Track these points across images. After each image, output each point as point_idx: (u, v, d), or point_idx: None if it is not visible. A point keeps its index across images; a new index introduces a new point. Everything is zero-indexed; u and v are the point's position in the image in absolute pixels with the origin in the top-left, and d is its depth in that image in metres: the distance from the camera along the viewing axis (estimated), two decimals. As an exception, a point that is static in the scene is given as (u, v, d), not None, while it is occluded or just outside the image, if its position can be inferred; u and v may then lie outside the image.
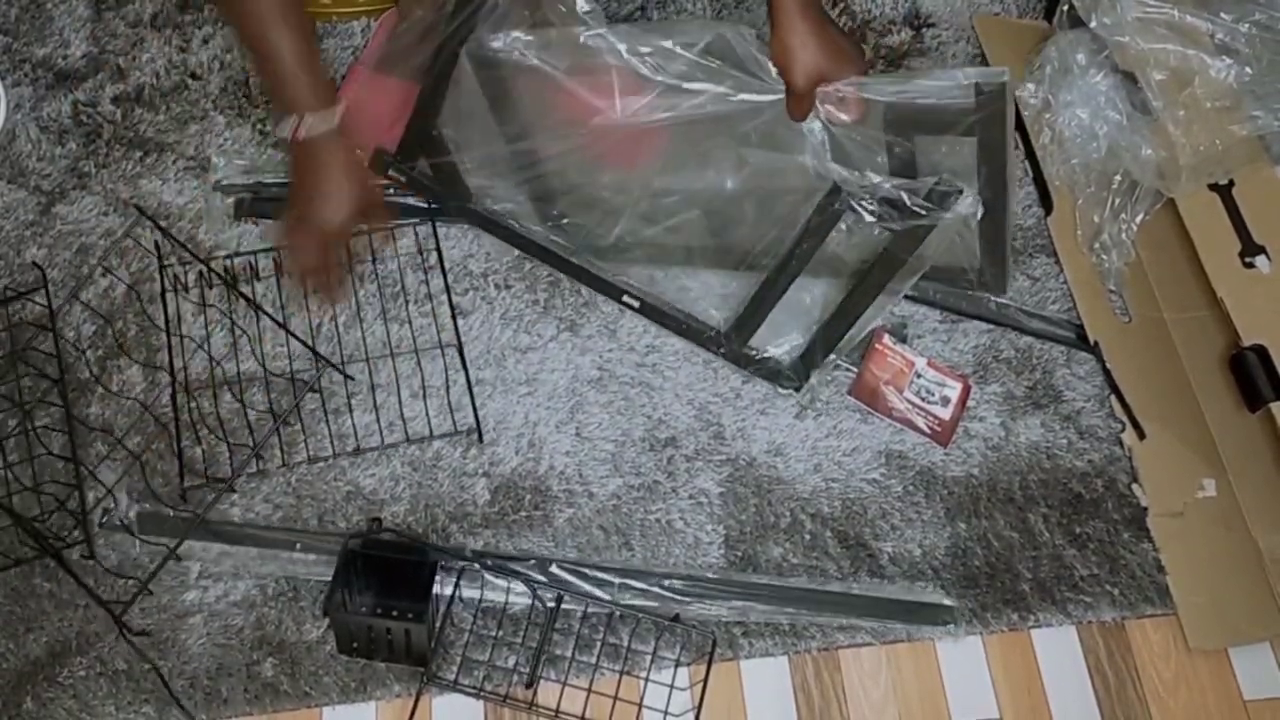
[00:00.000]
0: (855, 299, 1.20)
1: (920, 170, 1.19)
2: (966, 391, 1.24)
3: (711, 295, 1.27)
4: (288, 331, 1.20)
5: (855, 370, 1.24)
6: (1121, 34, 1.29)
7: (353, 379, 1.21)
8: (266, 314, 1.20)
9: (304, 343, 1.20)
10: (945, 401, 1.23)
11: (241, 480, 1.16)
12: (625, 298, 1.26)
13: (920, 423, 1.22)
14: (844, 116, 1.07)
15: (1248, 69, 1.28)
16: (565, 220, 1.28)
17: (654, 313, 1.26)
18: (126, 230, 1.26)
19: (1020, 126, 1.36)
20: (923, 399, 1.22)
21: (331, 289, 1.17)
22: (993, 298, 1.29)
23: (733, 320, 1.25)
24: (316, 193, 1.10)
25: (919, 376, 1.23)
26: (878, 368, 1.24)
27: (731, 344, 1.24)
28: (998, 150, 1.23)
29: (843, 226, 1.23)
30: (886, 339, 1.25)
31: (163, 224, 1.25)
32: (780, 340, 1.24)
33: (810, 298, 1.25)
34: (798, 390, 1.23)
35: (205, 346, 1.21)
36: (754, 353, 1.24)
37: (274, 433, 1.17)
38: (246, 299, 1.20)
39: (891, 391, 1.23)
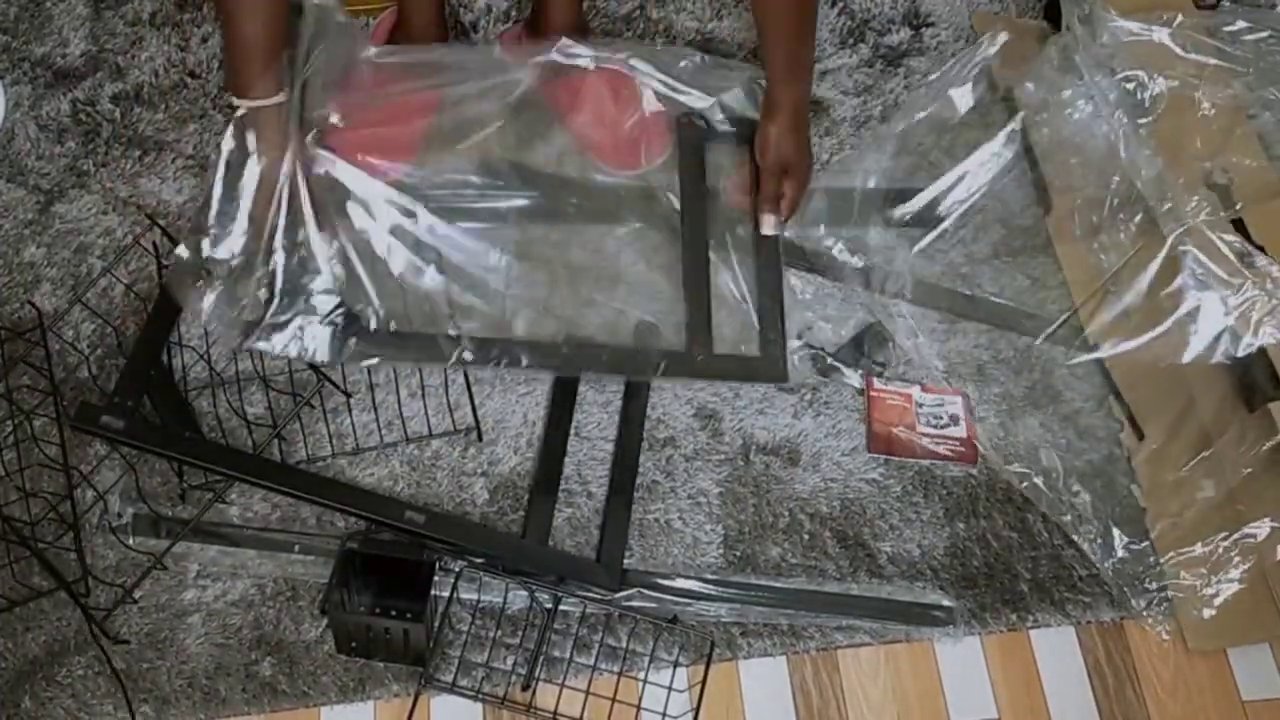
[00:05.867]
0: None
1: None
2: (966, 400, 1.23)
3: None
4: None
5: (855, 374, 1.24)
6: (1121, 34, 1.29)
7: (352, 395, 1.20)
8: None
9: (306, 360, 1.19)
10: (954, 420, 1.22)
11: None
12: None
13: (944, 451, 1.21)
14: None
15: (1249, 69, 1.28)
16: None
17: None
18: (136, 239, 1.26)
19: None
20: (934, 426, 1.21)
21: None
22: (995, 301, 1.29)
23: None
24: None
25: (920, 406, 1.22)
26: (882, 415, 1.22)
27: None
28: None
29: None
30: (876, 383, 1.24)
31: (161, 223, 1.25)
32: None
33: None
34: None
35: (204, 345, 1.21)
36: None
37: (270, 441, 1.16)
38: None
39: (905, 432, 1.21)
